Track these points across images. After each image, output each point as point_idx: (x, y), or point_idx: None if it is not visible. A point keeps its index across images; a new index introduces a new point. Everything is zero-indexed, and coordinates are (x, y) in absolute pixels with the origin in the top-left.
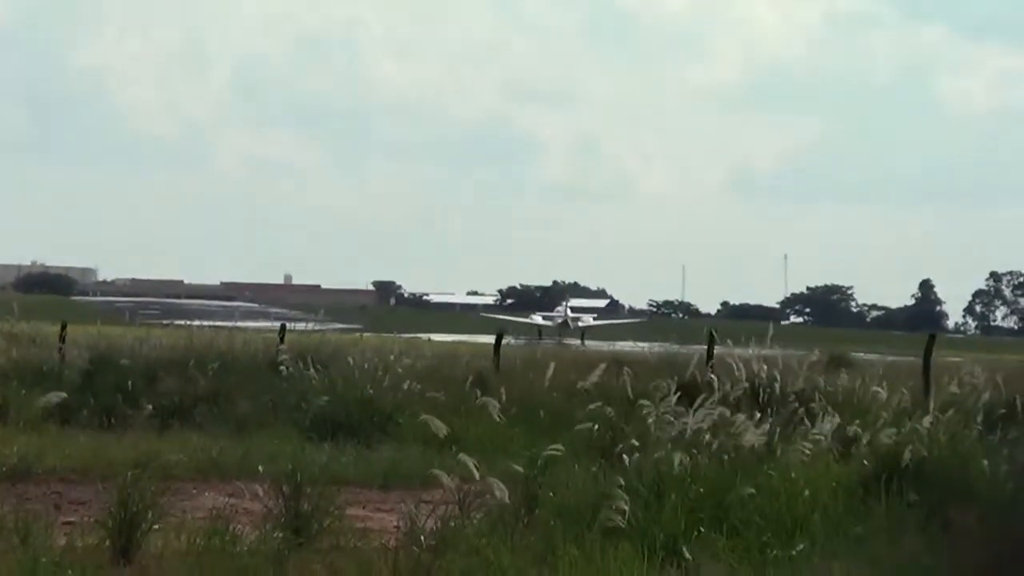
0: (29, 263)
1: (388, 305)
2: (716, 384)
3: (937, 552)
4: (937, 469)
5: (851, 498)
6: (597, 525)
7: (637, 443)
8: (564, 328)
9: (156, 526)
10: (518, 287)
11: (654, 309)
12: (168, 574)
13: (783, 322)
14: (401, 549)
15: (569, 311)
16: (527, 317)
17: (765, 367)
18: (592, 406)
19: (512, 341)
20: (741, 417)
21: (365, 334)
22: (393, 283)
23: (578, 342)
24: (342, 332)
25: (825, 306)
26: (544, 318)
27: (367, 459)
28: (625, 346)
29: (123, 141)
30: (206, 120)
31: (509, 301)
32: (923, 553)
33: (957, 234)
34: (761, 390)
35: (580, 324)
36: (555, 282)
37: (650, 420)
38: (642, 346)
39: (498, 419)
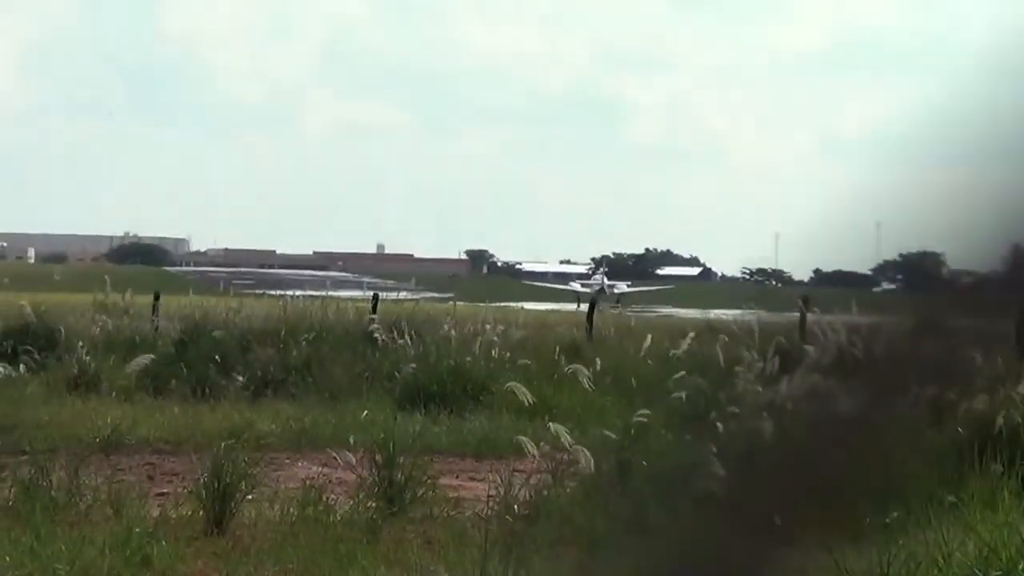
0: (122, 234)
1: (481, 274)
2: (810, 352)
3: None
4: None
5: (944, 466)
6: (690, 493)
7: (730, 411)
8: (601, 294)
9: (249, 496)
10: (611, 255)
11: (747, 276)
12: (261, 544)
13: (875, 289)
14: (494, 518)
15: (605, 279)
16: (567, 284)
17: (853, 334)
18: (683, 374)
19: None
20: (833, 384)
21: (458, 303)
22: (486, 252)
23: (616, 307)
24: (435, 301)
25: (918, 273)
26: (583, 285)
27: (459, 428)
28: (718, 314)
29: (214, 109)
30: (296, 87)
31: (603, 269)
32: (1019, 520)
33: None
34: (850, 357)
35: (616, 291)
36: (647, 250)
37: (743, 388)
38: (733, 314)
39: (588, 387)
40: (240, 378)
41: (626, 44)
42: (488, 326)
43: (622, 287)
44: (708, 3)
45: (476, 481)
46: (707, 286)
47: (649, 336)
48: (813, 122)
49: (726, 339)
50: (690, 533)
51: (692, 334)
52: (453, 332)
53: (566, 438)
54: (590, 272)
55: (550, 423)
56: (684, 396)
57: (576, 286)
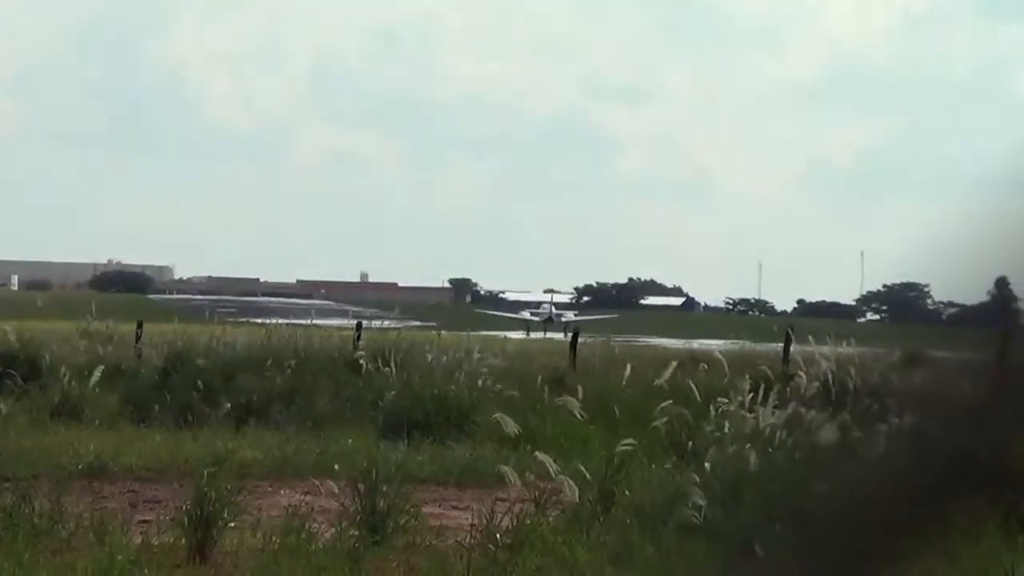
0: (105, 261)
1: (464, 303)
2: (794, 381)
3: (1015, 548)
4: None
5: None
6: (673, 523)
7: (712, 440)
8: (548, 323)
9: (232, 524)
10: (594, 285)
11: (730, 307)
12: (243, 572)
13: (860, 320)
14: (477, 547)
15: (553, 308)
16: (517, 313)
17: (837, 365)
18: (667, 404)
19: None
20: (816, 414)
21: (442, 332)
22: (469, 281)
23: (561, 335)
24: (419, 330)
25: (902, 303)
26: (532, 314)
27: (443, 457)
28: (701, 344)
29: (198, 137)
30: (282, 116)
31: (585, 299)
32: (1002, 550)
33: None
34: (835, 388)
35: (563, 320)
36: (631, 279)
37: (725, 417)
38: (717, 344)
39: (579, 416)
40: (224, 406)
41: (614, 75)
42: (477, 355)
43: (569, 316)
44: (697, 35)
45: (459, 510)
46: (668, 315)
47: (629, 365)
48: (799, 154)
49: (706, 367)
50: (675, 563)
51: (675, 363)
52: (444, 359)
53: (551, 467)
54: (573, 300)
55: (535, 452)
56: (666, 425)
57: (526, 314)
